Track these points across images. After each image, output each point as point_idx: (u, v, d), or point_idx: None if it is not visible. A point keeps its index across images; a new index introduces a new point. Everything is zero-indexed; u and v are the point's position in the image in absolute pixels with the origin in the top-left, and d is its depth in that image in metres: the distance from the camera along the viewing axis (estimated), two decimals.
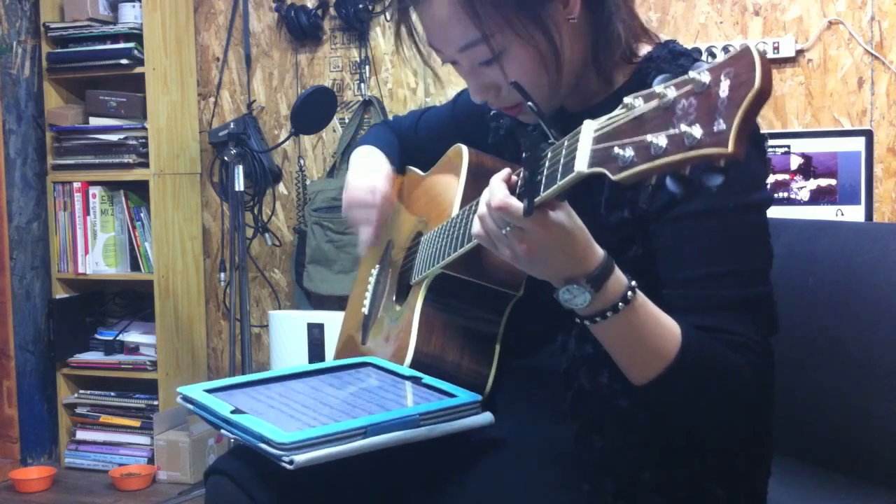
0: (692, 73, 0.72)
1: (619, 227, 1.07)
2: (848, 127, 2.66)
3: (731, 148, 0.68)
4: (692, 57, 1.11)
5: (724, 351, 1.00)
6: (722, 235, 1.02)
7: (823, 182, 2.45)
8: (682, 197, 0.74)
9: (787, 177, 2.49)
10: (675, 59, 1.11)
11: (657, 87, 0.75)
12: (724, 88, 0.70)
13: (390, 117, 2.33)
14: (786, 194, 2.49)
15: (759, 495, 1.15)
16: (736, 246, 1.03)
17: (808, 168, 2.47)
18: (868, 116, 2.67)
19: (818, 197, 2.46)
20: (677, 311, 1.02)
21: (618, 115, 0.79)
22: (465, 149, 1.30)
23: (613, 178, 0.77)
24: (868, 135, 2.42)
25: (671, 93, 0.74)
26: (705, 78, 0.71)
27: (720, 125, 0.69)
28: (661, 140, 0.73)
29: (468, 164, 1.28)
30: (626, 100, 0.78)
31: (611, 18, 1.10)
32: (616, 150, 0.77)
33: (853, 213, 2.43)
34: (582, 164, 0.81)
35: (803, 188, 2.47)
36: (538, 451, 1.13)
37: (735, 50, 0.71)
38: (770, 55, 2.73)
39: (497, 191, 0.93)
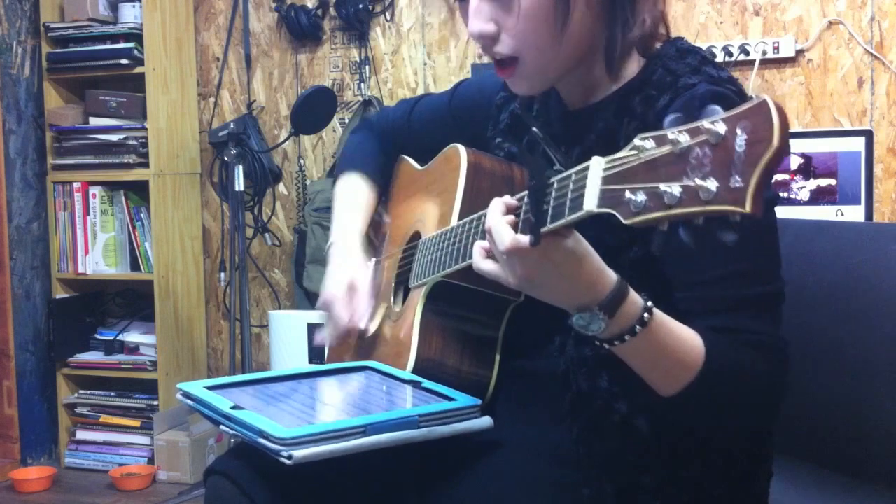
0: (706, 123, 0.71)
1: (618, 228, 1.06)
2: (848, 127, 2.66)
3: (748, 208, 0.68)
4: (699, 54, 1.10)
5: (747, 352, 1.00)
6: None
7: (823, 182, 2.45)
8: (694, 245, 0.73)
9: (787, 177, 2.49)
10: (682, 57, 1.10)
11: (669, 132, 0.74)
12: (740, 143, 0.69)
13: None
14: (786, 194, 2.49)
15: (760, 497, 1.14)
16: (749, 246, 1.01)
17: (808, 168, 2.47)
18: (868, 116, 2.67)
19: (818, 197, 2.46)
20: (694, 313, 1.00)
21: (628, 157, 0.78)
22: (462, 150, 1.28)
23: (625, 221, 0.76)
24: (868, 135, 2.42)
25: (684, 139, 0.73)
26: (720, 129, 0.70)
27: (737, 182, 0.69)
28: (675, 189, 0.72)
29: (467, 167, 1.26)
30: (637, 141, 0.77)
31: (636, 4, 1.09)
32: (628, 194, 0.76)
33: (853, 213, 2.42)
34: (591, 204, 0.80)
35: (803, 188, 2.47)
36: (537, 453, 1.13)
37: (752, 101, 0.70)
38: (770, 55, 2.73)
39: (501, 228, 0.91)
